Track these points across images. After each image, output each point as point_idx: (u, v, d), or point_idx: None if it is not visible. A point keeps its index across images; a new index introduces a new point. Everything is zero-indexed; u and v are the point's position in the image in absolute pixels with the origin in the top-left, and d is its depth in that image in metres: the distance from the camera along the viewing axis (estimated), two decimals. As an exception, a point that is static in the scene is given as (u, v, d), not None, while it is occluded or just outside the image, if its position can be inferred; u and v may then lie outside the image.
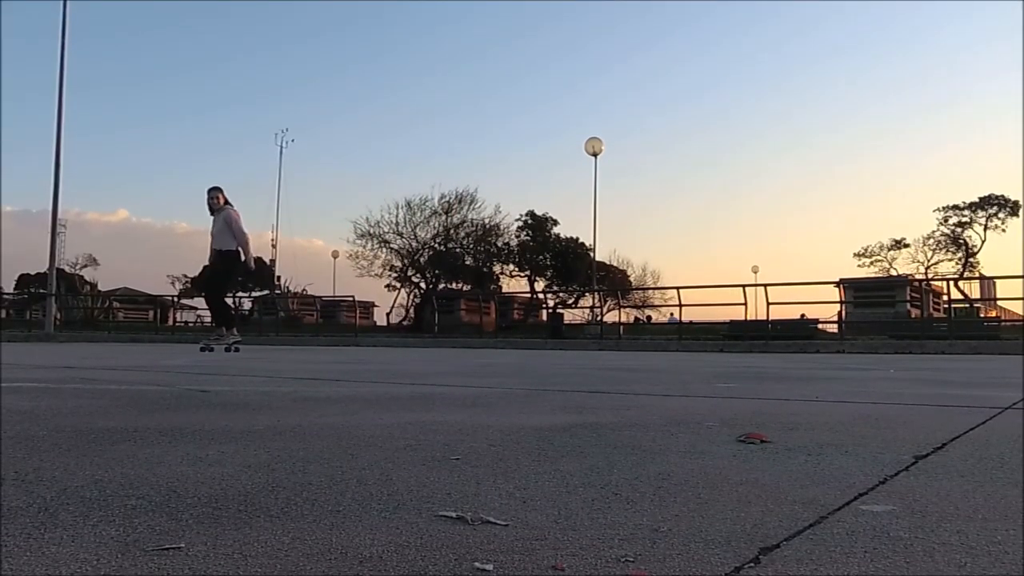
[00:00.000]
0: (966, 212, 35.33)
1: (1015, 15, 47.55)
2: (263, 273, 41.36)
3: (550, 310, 26.31)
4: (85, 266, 42.96)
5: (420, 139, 62.99)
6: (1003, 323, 19.28)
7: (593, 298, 28.18)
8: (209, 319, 29.18)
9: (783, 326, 16.56)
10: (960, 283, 27.17)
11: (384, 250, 30.96)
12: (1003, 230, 34.86)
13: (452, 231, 31.31)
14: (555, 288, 32.24)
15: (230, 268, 8.58)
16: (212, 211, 8.30)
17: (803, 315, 19.47)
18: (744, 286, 17.45)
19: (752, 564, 0.81)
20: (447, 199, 30.98)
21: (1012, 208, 34.41)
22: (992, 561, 0.83)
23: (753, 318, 17.55)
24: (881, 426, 2.00)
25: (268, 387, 3.26)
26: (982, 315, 22.41)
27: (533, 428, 1.89)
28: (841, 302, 17.65)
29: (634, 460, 1.43)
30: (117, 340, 16.82)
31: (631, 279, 34.04)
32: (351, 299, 26.33)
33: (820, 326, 18.52)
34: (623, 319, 24.04)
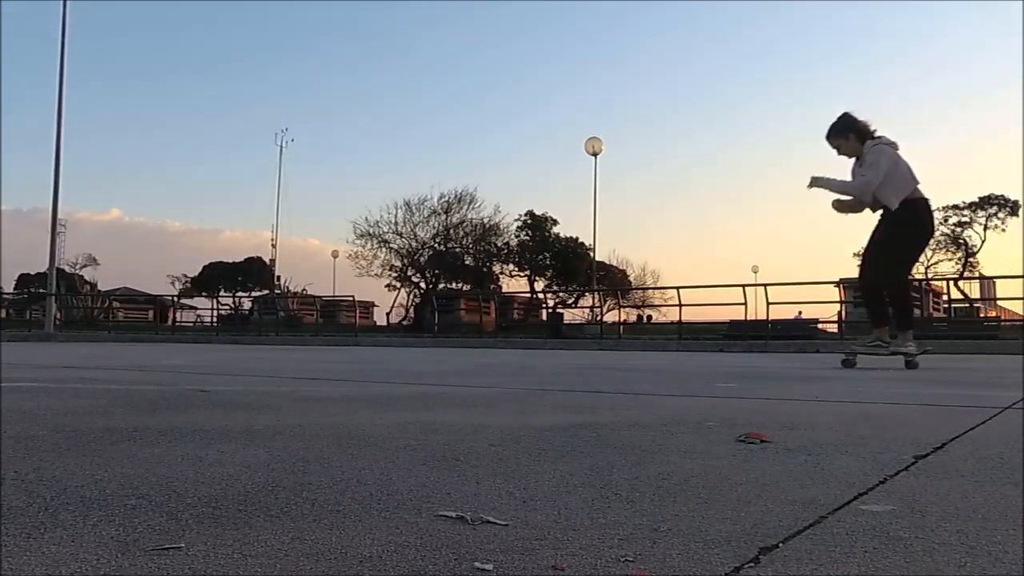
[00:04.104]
0: (966, 212, 35.36)
1: (1015, 15, 47.61)
2: (263, 273, 41.42)
3: (550, 310, 26.32)
4: (85, 266, 42.99)
5: (420, 139, 63.06)
6: (1003, 323, 19.28)
7: (593, 298, 28.20)
8: (210, 319, 29.07)
9: (783, 326, 16.57)
10: (960, 283, 27.16)
11: (384, 250, 30.97)
12: (1003, 230, 34.89)
13: (452, 231, 31.32)
14: (555, 288, 32.25)
15: (894, 233, 5.16)
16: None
17: (800, 312, 19.45)
18: (744, 286, 17.45)
19: (752, 564, 0.81)
20: (446, 199, 31.00)
21: (1012, 208, 34.44)
22: (992, 561, 0.83)
23: (753, 318, 17.55)
24: (881, 426, 2.00)
25: (268, 387, 3.26)
26: (982, 315, 22.40)
27: (533, 428, 1.89)
28: (841, 302, 17.64)
29: (634, 460, 1.43)
30: (117, 340, 16.82)
31: (631, 279, 34.05)
32: (351, 299, 26.33)
33: (820, 326, 18.51)
34: (623, 319, 24.04)
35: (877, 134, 5.25)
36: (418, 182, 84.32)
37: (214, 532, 0.91)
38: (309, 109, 65.77)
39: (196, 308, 32.98)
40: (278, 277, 40.47)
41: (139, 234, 67.59)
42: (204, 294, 37.16)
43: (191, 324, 29.41)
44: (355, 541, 0.88)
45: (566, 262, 32.03)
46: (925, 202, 5.19)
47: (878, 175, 5.03)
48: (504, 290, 31.88)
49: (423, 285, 31.03)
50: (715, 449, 1.57)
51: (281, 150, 44.03)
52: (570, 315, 26.48)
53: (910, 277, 5.49)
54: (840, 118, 5.31)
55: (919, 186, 5.15)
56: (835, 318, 17.86)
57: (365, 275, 31.18)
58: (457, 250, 31.28)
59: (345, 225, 59.15)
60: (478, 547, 0.86)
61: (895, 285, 5.32)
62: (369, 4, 68.33)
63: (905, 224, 5.14)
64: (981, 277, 28.90)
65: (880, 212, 5.17)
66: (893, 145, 5.21)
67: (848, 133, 5.23)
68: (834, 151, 5.31)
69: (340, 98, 68.68)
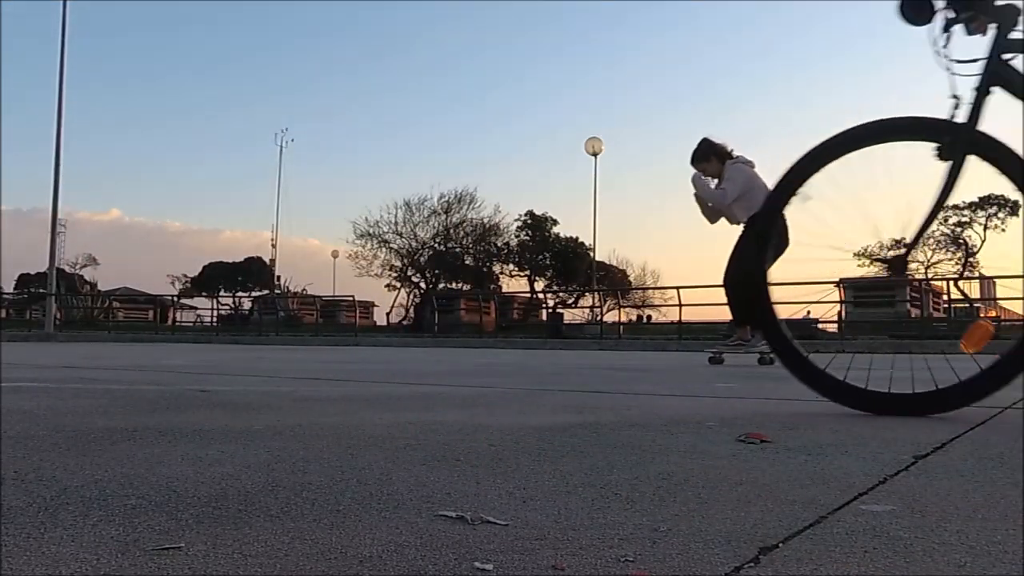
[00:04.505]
0: (966, 212, 35.36)
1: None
2: (263, 273, 41.46)
3: (550, 310, 26.33)
4: (85, 266, 43.01)
5: (420, 139, 63.06)
6: (1003, 323, 19.28)
7: (593, 298, 28.21)
8: (210, 318, 29.14)
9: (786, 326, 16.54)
10: (960, 283, 27.14)
11: (384, 250, 30.99)
12: (1003, 230, 34.90)
13: (452, 231, 31.33)
14: (555, 288, 32.26)
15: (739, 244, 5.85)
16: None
17: (808, 312, 19.42)
18: (744, 286, 17.40)
19: (752, 564, 0.81)
20: (446, 199, 31.04)
21: (1012, 208, 34.44)
22: (992, 561, 0.83)
23: (753, 318, 17.53)
24: (881, 426, 2.00)
25: (268, 387, 3.26)
26: (982, 315, 22.38)
27: (533, 428, 1.90)
28: (841, 302, 17.63)
29: (634, 460, 1.43)
30: (117, 340, 16.83)
31: (631, 279, 34.06)
32: (351, 299, 26.35)
33: (820, 326, 18.50)
34: (623, 319, 24.05)
35: (735, 154, 5.87)
36: (418, 182, 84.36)
37: (214, 532, 0.91)
38: (309, 109, 65.80)
39: (196, 308, 33.01)
40: (278, 277, 40.52)
41: (139, 234, 67.67)
42: (204, 294, 37.20)
43: (191, 324, 29.42)
44: (355, 541, 0.88)
45: (566, 262, 32.04)
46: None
47: (735, 189, 5.65)
48: (504, 290, 31.88)
49: (423, 285, 31.04)
50: (715, 449, 1.57)
51: (281, 150, 44.12)
52: (570, 315, 26.49)
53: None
54: (700, 143, 5.93)
55: None
56: (835, 318, 17.86)
57: (365, 275, 31.20)
58: (457, 250, 31.30)
59: (345, 225, 59.20)
60: (478, 547, 0.86)
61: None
62: (369, 4, 68.37)
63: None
64: (981, 277, 28.90)
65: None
66: (749, 164, 5.85)
67: (710, 156, 5.88)
68: (701, 174, 5.98)
69: (340, 98, 68.68)
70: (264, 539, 0.89)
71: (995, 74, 2.04)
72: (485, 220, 31.37)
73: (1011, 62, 2.03)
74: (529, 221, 32.83)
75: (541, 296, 29.83)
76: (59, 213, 22.58)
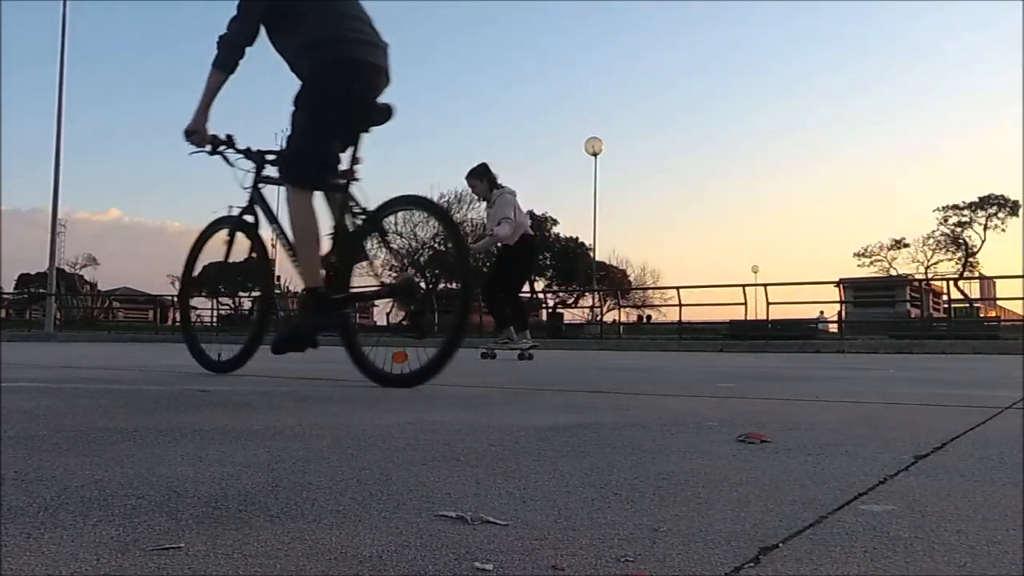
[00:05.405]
0: (966, 212, 35.39)
1: (1015, 14, 47.61)
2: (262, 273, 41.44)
3: (550, 310, 26.33)
4: (85, 266, 43.01)
5: (420, 138, 63.02)
6: (1003, 323, 19.31)
7: (593, 298, 28.20)
8: (210, 319, 29.28)
9: (783, 326, 16.58)
10: (960, 283, 27.14)
11: (383, 250, 30.97)
12: (1003, 230, 34.94)
13: (452, 231, 31.25)
14: (555, 288, 32.26)
15: (509, 260, 7.36)
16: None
17: (821, 312, 19.45)
18: (744, 286, 17.46)
19: (752, 564, 0.81)
20: (446, 199, 31.01)
21: (1012, 208, 34.47)
22: (992, 561, 0.83)
23: (753, 318, 17.56)
24: (881, 426, 2.00)
25: (268, 387, 3.26)
26: (982, 315, 22.41)
27: (533, 428, 1.90)
28: (841, 302, 17.64)
29: (634, 460, 1.43)
30: (117, 340, 16.82)
31: (631, 279, 34.07)
32: (351, 299, 26.31)
33: (820, 326, 18.53)
34: (623, 319, 24.05)
35: (500, 183, 7.17)
36: (418, 182, 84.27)
37: (214, 532, 0.91)
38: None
39: (196, 308, 32.99)
40: (278, 277, 40.51)
41: (139, 234, 67.66)
42: (204, 294, 37.16)
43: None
44: (355, 541, 0.88)
45: (566, 262, 32.05)
46: (533, 237, 7.47)
47: (513, 219, 6.98)
48: (504, 290, 31.87)
49: (423, 285, 31.03)
50: (715, 449, 1.57)
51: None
52: (570, 315, 26.49)
53: (521, 293, 8.11)
54: (479, 165, 7.21)
55: (528, 224, 7.42)
56: (835, 318, 17.87)
57: (365, 275, 31.18)
58: (457, 250, 31.27)
59: (343, 225, 59.13)
60: (478, 547, 0.86)
61: (510, 297, 7.47)
62: (368, 4, 68.31)
63: (518, 255, 7.26)
64: (981, 277, 28.92)
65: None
66: (512, 193, 7.15)
67: (483, 178, 7.17)
68: (471, 188, 7.49)
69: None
70: (264, 539, 0.89)
71: (256, 196, 3.65)
72: (485, 220, 31.41)
73: (263, 189, 3.64)
74: (529, 221, 32.89)
75: (541, 296, 29.84)
76: (59, 213, 22.59)
